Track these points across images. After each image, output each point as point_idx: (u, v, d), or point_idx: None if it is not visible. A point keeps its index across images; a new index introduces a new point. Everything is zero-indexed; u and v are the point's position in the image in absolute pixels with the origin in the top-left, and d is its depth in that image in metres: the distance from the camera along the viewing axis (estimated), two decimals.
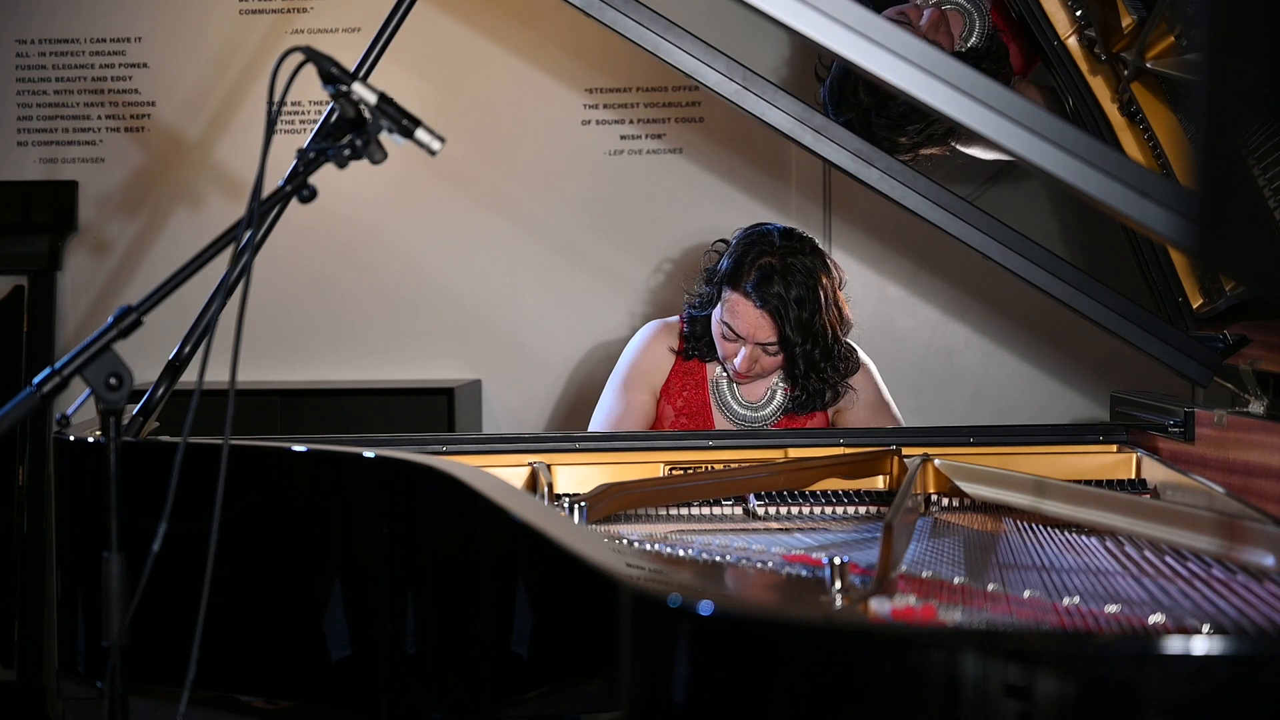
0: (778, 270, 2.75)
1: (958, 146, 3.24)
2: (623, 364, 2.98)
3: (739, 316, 2.78)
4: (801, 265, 2.77)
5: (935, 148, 3.08)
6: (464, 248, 4.16)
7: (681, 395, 2.93)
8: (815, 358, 2.80)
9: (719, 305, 2.82)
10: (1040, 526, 2.14)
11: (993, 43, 3.04)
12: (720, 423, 2.94)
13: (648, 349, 2.96)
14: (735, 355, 2.81)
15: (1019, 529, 2.13)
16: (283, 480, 2.14)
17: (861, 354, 2.97)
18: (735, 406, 2.93)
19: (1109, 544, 1.99)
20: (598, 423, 2.96)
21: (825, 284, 2.79)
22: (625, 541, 2.02)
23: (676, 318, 3.00)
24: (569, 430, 3.97)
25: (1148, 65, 2.44)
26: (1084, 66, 2.71)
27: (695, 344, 2.92)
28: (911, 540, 2.00)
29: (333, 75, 1.74)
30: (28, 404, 1.58)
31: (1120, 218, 1.83)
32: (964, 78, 1.82)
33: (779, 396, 2.93)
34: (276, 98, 1.67)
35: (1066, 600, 1.64)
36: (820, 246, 2.88)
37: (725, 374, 2.93)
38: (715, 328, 2.84)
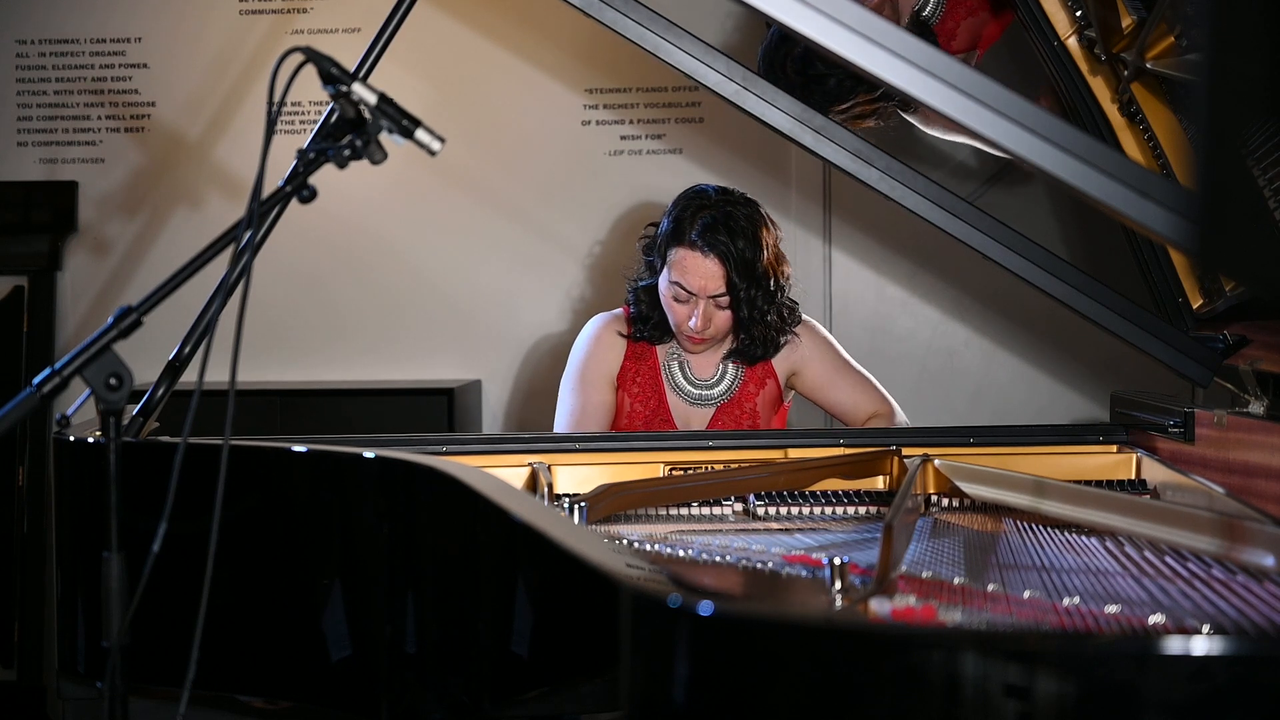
0: (719, 219, 2.81)
1: (918, 125, 3.25)
2: (575, 361, 2.99)
3: (688, 271, 2.81)
4: (741, 214, 2.83)
5: (871, 121, 3.11)
6: (464, 248, 4.16)
7: (636, 381, 2.96)
8: (759, 301, 2.84)
9: (665, 271, 2.85)
10: (1040, 527, 2.14)
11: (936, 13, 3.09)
12: (675, 404, 2.96)
13: (598, 340, 2.98)
14: (689, 317, 2.83)
15: (1019, 529, 2.13)
16: (283, 480, 2.14)
17: (810, 320, 3.02)
18: (688, 386, 2.96)
19: (1109, 544, 1.99)
20: (560, 424, 2.97)
21: (765, 233, 2.85)
22: (625, 541, 2.02)
23: (620, 309, 3.03)
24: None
25: (1148, 65, 2.44)
26: (1084, 66, 2.71)
27: (643, 326, 2.96)
28: (911, 540, 2.00)
29: (333, 75, 1.74)
30: (28, 404, 1.58)
31: (1120, 218, 1.83)
32: (964, 78, 1.82)
33: (730, 371, 2.96)
34: (276, 98, 1.67)
35: (1066, 600, 1.64)
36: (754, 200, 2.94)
37: (676, 355, 2.96)
38: (665, 293, 2.86)
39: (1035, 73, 3.15)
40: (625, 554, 1.82)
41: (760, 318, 2.86)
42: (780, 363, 2.97)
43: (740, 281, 2.80)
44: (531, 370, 4.18)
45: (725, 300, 2.82)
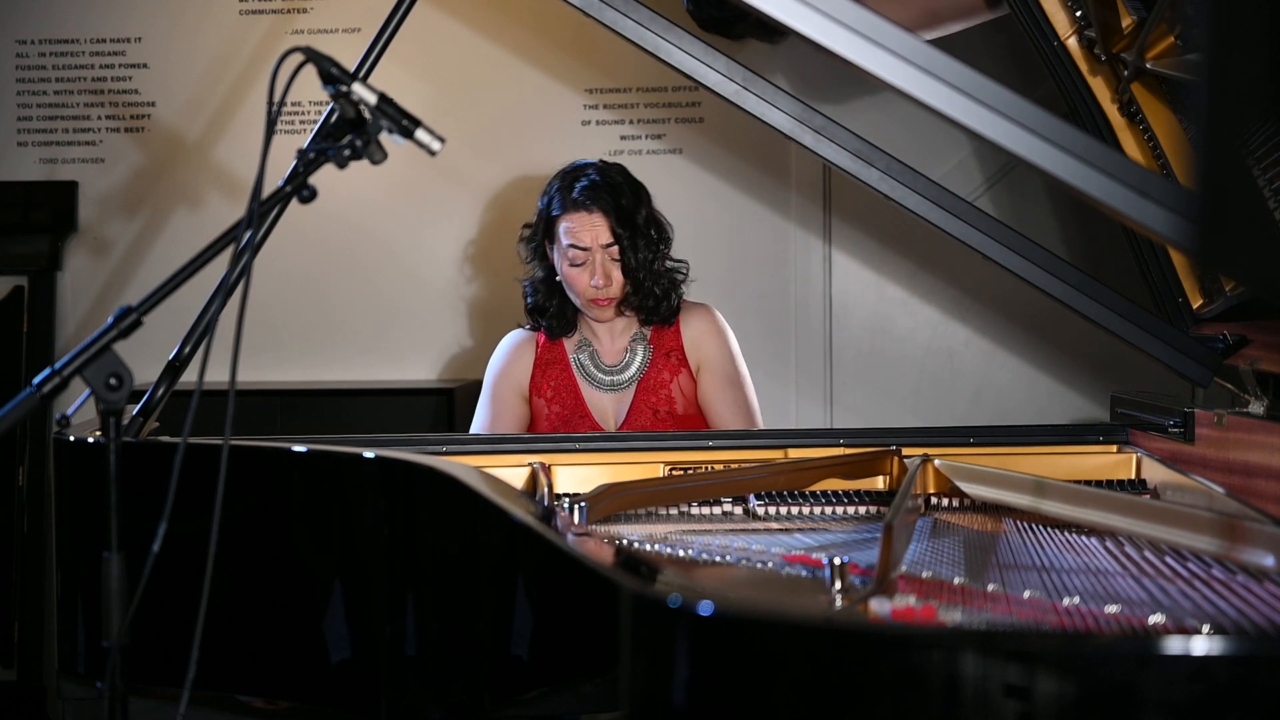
0: (596, 180, 2.93)
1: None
2: (488, 375, 3.08)
3: (577, 230, 2.91)
4: (615, 172, 2.97)
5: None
6: (464, 248, 4.16)
7: (548, 384, 3.01)
8: (644, 249, 2.94)
9: (556, 247, 2.95)
10: (1040, 527, 2.14)
11: None
12: (589, 395, 3.00)
13: (507, 355, 3.07)
14: (590, 277, 2.91)
15: (1019, 529, 2.13)
16: (283, 480, 2.14)
17: (720, 319, 3.07)
18: (599, 374, 3.02)
19: (1109, 544, 1.99)
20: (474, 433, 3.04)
21: (640, 190, 2.98)
22: (625, 541, 2.02)
23: (527, 328, 3.09)
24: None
25: (1148, 65, 2.44)
26: (1084, 66, 2.71)
27: (542, 317, 3.03)
28: (911, 540, 2.00)
29: (333, 75, 1.74)
30: (28, 404, 1.58)
31: (1120, 218, 1.83)
32: (964, 78, 1.82)
33: (640, 354, 3.01)
34: (276, 98, 1.67)
35: (1066, 600, 1.64)
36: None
37: (584, 347, 3.03)
38: (562, 267, 2.94)
39: (1036, 73, 3.15)
40: (625, 554, 1.82)
41: (649, 265, 2.95)
42: (690, 350, 3.02)
43: (624, 230, 2.91)
44: None
45: (616, 251, 2.92)
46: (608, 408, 3.00)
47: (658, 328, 3.02)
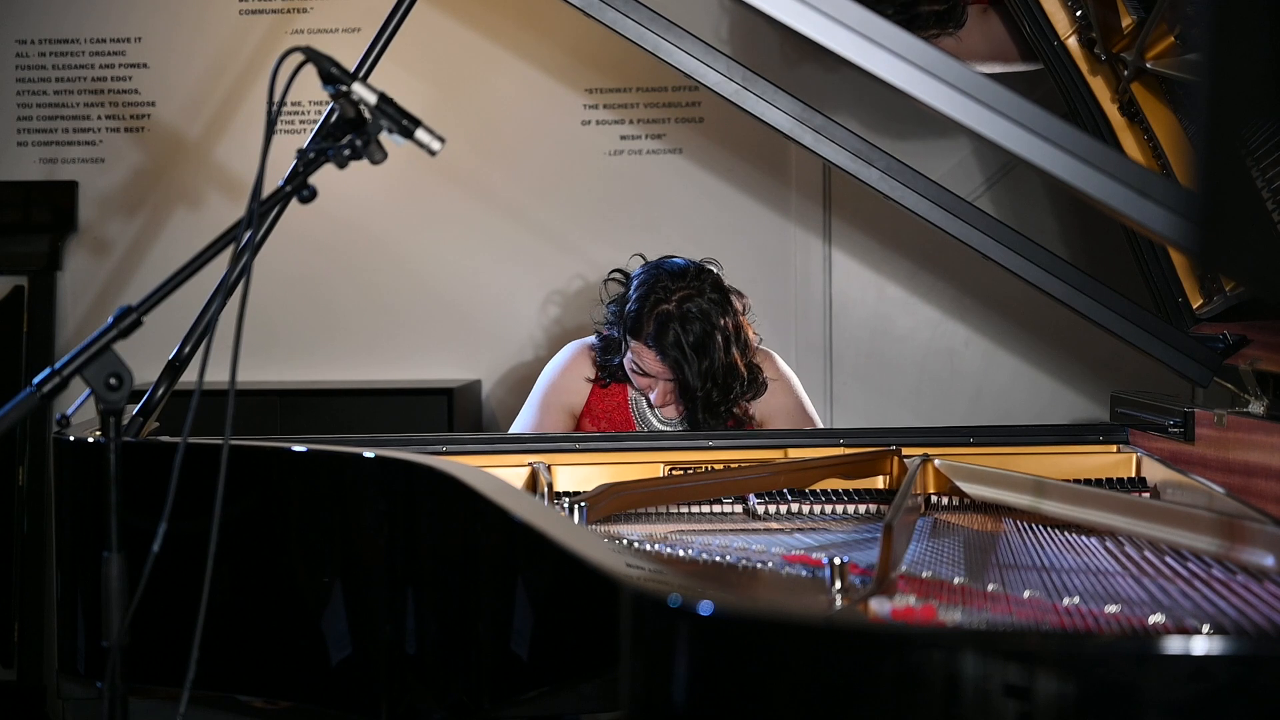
0: (674, 318, 2.76)
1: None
2: (542, 383, 3.02)
3: (644, 362, 2.82)
4: (697, 309, 2.77)
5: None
6: (464, 248, 4.16)
7: (604, 415, 2.98)
8: (714, 399, 2.82)
9: (625, 347, 2.85)
10: (1040, 527, 2.14)
11: None
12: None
13: (566, 372, 3.01)
14: (650, 389, 2.86)
15: (1019, 529, 2.13)
16: (283, 480, 2.14)
17: (781, 364, 3.00)
18: (656, 424, 2.98)
19: (1109, 544, 1.99)
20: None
21: (724, 323, 2.80)
22: (625, 541, 2.02)
23: (596, 339, 3.01)
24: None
25: (1148, 65, 2.44)
26: (1084, 66, 2.71)
27: (607, 370, 2.96)
28: (911, 540, 2.00)
29: (333, 75, 1.74)
30: (28, 404, 1.58)
31: (1120, 218, 1.83)
32: (964, 78, 1.82)
33: None
34: (276, 98, 1.67)
35: (1066, 600, 1.64)
36: (719, 277, 2.87)
37: (644, 396, 2.94)
38: (627, 364, 2.87)
39: (1036, 73, 3.15)
40: (625, 554, 1.82)
41: (713, 411, 2.84)
42: (756, 408, 2.96)
43: (694, 382, 2.77)
44: (531, 370, 4.18)
45: (679, 389, 2.82)
46: None
47: None
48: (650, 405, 2.95)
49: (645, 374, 2.83)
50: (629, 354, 2.84)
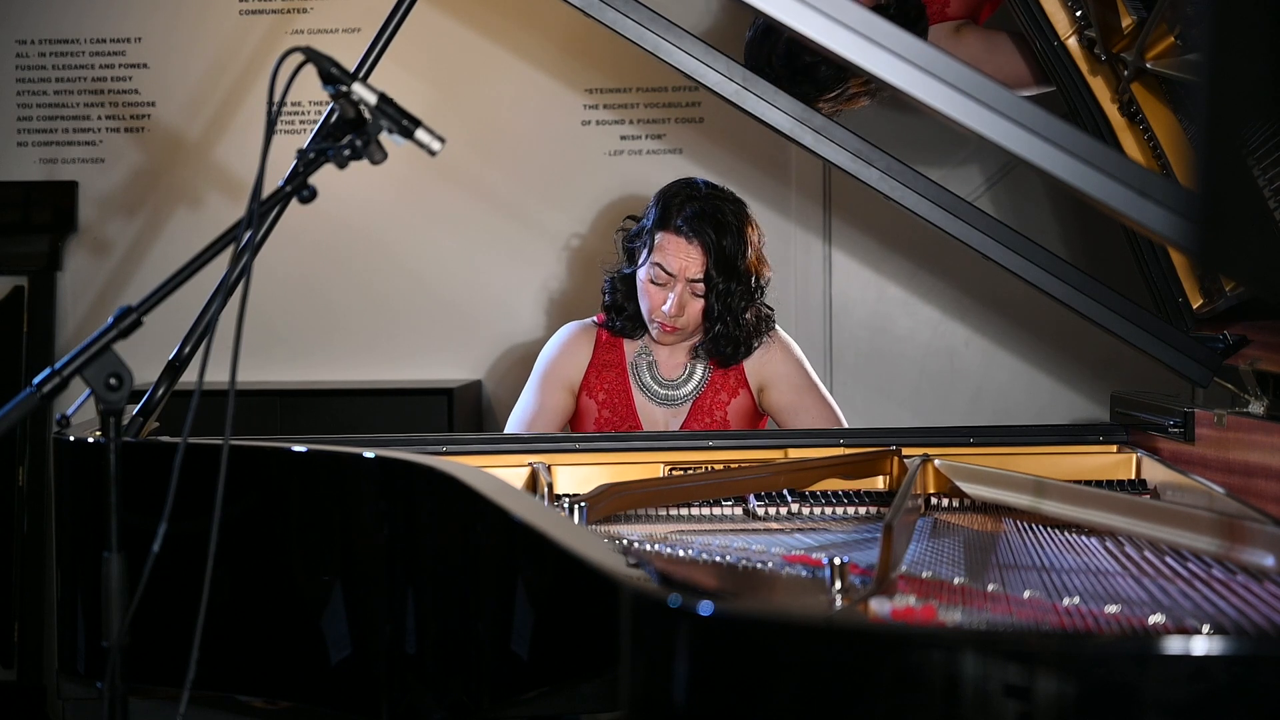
0: (706, 210, 2.84)
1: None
2: (541, 362, 3.04)
3: (669, 254, 2.84)
4: (729, 209, 2.87)
5: (864, 100, 3.13)
6: (465, 248, 4.16)
7: (602, 386, 2.98)
8: (736, 298, 2.87)
9: (645, 256, 2.88)
10: (1040, 527, 2.14)
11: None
12: (642, 404, 2.98)
13: (565, 348, 3.02)
14: (664, 302, 2.86)
15: (1019, 529, 2.13)
16: (283, 480, 2.14)
17: (784, 334, 3.04)
18: (655, 386, 2.98)
19: (1109, 544, 1.99)
20: (515, 419, 3.00)
21: (750, 231, 2.89)
22: (625, 541, 2.02)
23: (591, 318, 3.06)
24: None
25: (1148, 65, 2.44)
26: (1084, 66, 2.71)
27: (616, 316, 2.99)
28: (911, 540, 2.00)
29: (333, 75, 1.74)
30: (28, 404, 1.58)
31: (1120, 218, 1.83)
32: (964, 78, 1.82)
33: (698, 373, 2.98)
34: (276, 98, 1.67)
35: (1066, 601, 1.64)
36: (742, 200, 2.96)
37: (644, 355, 2.99)
38: (644, 279, 2.89)
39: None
40: (625, 554, 1.82)
41: (734, 315, 2.88)
42: (752, 374, 2.98)
43: (718, 275, 2.83)
44: (531, 370, 4.18)
45: (701, 288, 2.85)
46: (659, 420, 2.97)
47: None
48: (650, 366, 2.97)
49: (666, 275, 2.84)
50: (650, 261, 2.86)
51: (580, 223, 4.15)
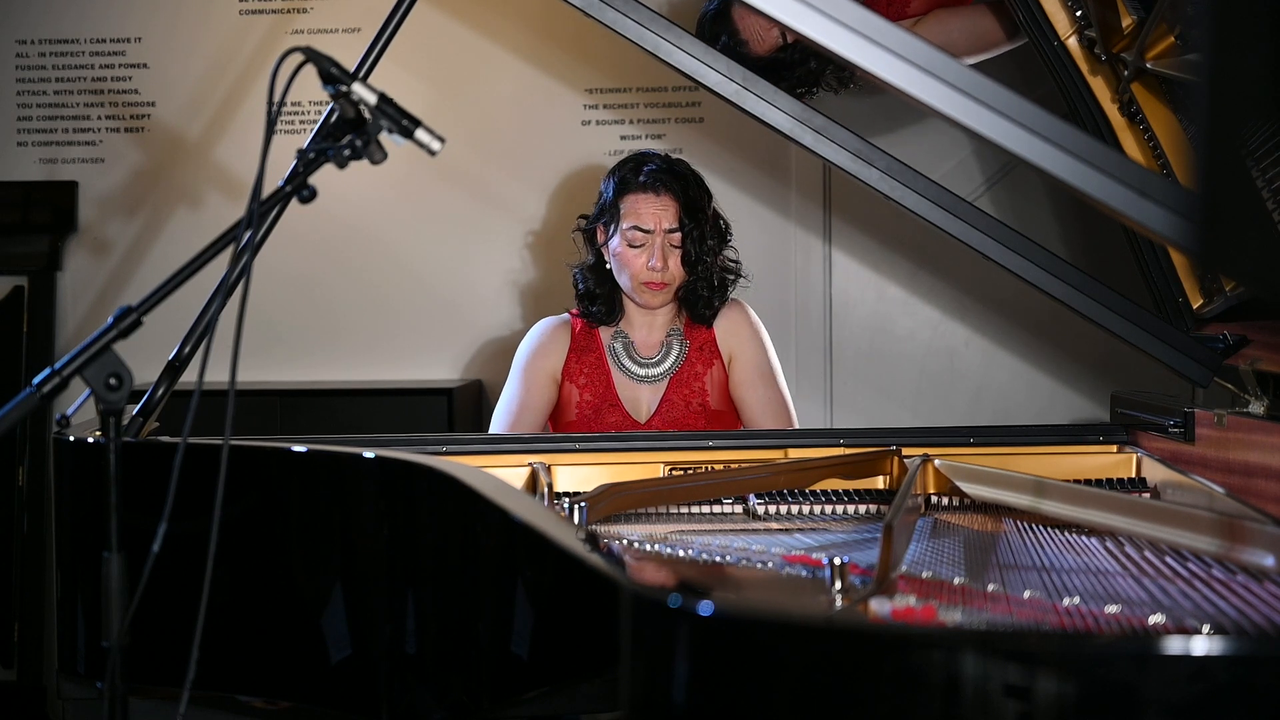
0: (664, 165, 2.97)
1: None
2: (520, 355, 3.07)
3: (642, 212, 2.93)
4: (682, 164, 3.00)
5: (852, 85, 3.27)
6: (465, 248, 4.16)
7: (581, 371, 3.02)
8: (709, 239, 2.96)
9: (615, 228, 2.95)
10: (1040, 527, 2.14)
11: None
12: (621, 384, 3.01)
13: (543, 339, 3.07)
14: (648, 259, 2.92)
15: (1019, 529, 2.13)
16: (283, 480, 2.14)
17: (754, 316, 3.08)
18: (633, 365, 3.02)
19: (1109, 544, 1.99)
20: (500, 413, 3.03)
21: (704, 186, 3.00)
22: (625, 541, 2.02)
23: (565, 314, 3.11)
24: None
25: (1148, 65, 2.44)
26: (1084, 66, 2.71)
27: (591, 304, 3.04)
28: (911, 540, 2.00)
29: (333, 75, 1.74)
30: (28, 404, 1.58)
31: (1120, 218, 1.83)
32: (964, 78, 1.82)
33: (676, 348, 3.02)
34: (276, 98, 1.67)
35: (1066, 601, 1.64)
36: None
37: (620, 336, 3.03)
38: (619, 250, 2.94)
39: (1036, 73, 3.15)
40: (625, 554, 1.82)
41: (711, 257, 2.97)
42: (723, 343, 3.03)
43: (690, 221, 2.92)
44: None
45: (678, 238, 2.93)
46: (640, 398, 3.01)
47: (691, 324, 3.03)
48: (626, 347, 3.01)
49: (644, 232, 2.91)
50: (622, 228, 2.93)
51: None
